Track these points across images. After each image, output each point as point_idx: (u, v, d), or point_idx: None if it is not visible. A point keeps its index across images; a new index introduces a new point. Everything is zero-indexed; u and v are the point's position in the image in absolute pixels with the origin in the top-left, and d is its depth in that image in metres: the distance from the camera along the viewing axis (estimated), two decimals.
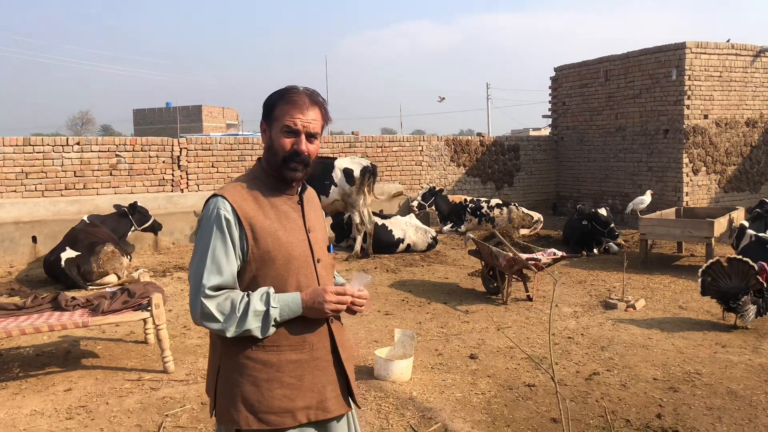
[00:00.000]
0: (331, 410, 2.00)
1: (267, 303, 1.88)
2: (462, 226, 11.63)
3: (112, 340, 5.49)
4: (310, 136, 2.00)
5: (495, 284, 6.96)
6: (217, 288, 1.88)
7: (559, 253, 6.94)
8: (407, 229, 9.73)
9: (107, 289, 5.41)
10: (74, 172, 9.61)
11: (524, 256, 6.66)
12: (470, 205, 11.82)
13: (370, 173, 9.26)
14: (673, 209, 10.01)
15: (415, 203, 11.61)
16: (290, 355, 1.94)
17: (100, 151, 9.81)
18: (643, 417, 3.91)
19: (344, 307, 1.98)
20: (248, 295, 1.89)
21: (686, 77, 11.91)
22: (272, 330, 1.90)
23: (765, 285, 5.67)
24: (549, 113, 15.92)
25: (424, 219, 11.22)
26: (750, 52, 12.60)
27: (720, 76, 12.28)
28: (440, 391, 4.35)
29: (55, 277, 7.35)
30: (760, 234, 7.80)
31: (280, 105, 1.98)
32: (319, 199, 9.52)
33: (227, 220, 1.90)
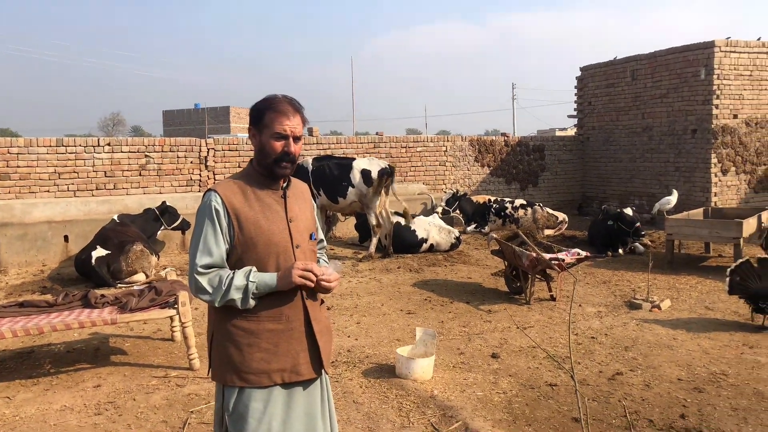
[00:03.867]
0: (303, 374, 2.32)
1: (247, 278, 2.21)
2: (486, 227, 11.60)
3: (139, 338, 5.62)
4: (296, 139, 2.33)
5: (518, 284, 6.94)
6: (208, 266, 2.23)
7: (583, 253, 6.90)
8: (430, 229, 9.74)
9: (135, 287, 5.54)
10: (105, 172, 9.83)
11: (547, 256, 6.62)
12: (494, 205, 11.79)
13: (387, 174, 9.28)
14: (701, 209, 9.84)
15: (439, 209, 11.61)
16: (268, 325, 2.27)
17: (130, 152, 10.01)
18: (667, 417, 3.88)
19: (310, 275, 2.26)
20: (234, 273, 2.22)
21: (715, 76, 11.71)
22: (252, 302, 2.23)
23: None
24: (574, 113, 15.78)
25: (449, 223, 11.19)
26: None
27: (750, 75, 12.04)
28: (461, 390, 4.36)
29: (85, 276, 7.54)
30: None
31: (268, 113, 2.30)
32: (337, 200, 9.55)
33: (217, 210, 2.25)
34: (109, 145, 9.91)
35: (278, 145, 2.29)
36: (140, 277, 7.40)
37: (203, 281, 2.21)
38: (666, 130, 12.81)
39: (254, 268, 2.24)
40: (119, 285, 7.22)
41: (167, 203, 8.95)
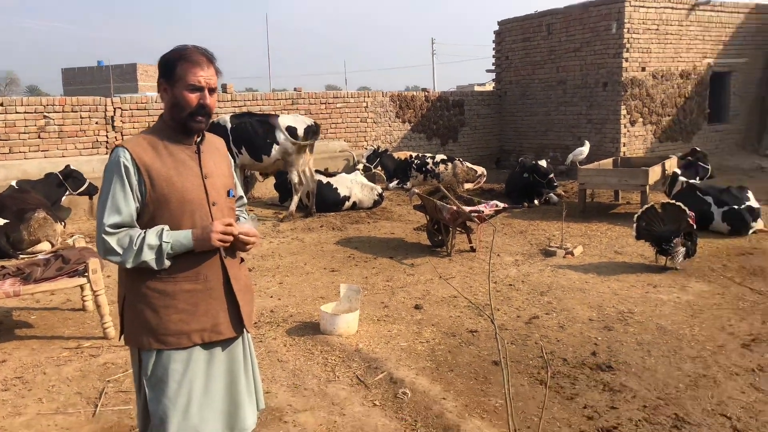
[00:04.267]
0: (224, 333, 2.28)
1: (160, 238, 2.11)
2: (408, 183, 11.68)
3: (47, 309, 5.32)
4: (211, 91, 2.23)
5: (439, 237, 7.05)
6: (117, 226, 2.11)
7: (501, 205, 7.07)
8: (353, 186, 9.69)
9: (40, 257, 5.20)
10: None
11: (467, 208, 6.74)
12: (416, 161, 11.87)
13: (313, 132, 9.12)
14: (611, 159, 10.30)
15: (360, 166, 11.56)
16: (185, 285, 2.20)
17: (26, 113, 9.26)
18: (579, 355, 4.08)
19: (229, 238, 2.19)
20: (145, 232, 2.12)
21: (625, 30, 12.13)
22: (167, 262, 2.14)
23: (694, 227, 5.95)
24: (493, 68, 15.98)
25: (371, 180, 11.19)
26: (685, 6, 12.90)
27: (657, 29, 12.56)
28: (386, 342, 4.41)
29: None
30: (691, 181, 8.14)
31: (180, 64, 2.17)
32: (261, 158, 9.28)
33: (126, 167, 2.13)
34: (2, 105, 9.14)
35: (193, 97, 2.17)
36: (45, 246, 6.96)
37: (112, 242, 2.10)
38: (579, 83, 13.22)
39: (167, 227, 2.15)
40: (21, 256, 6.77)
41: (71, 167, 8.42)
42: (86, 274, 4.52)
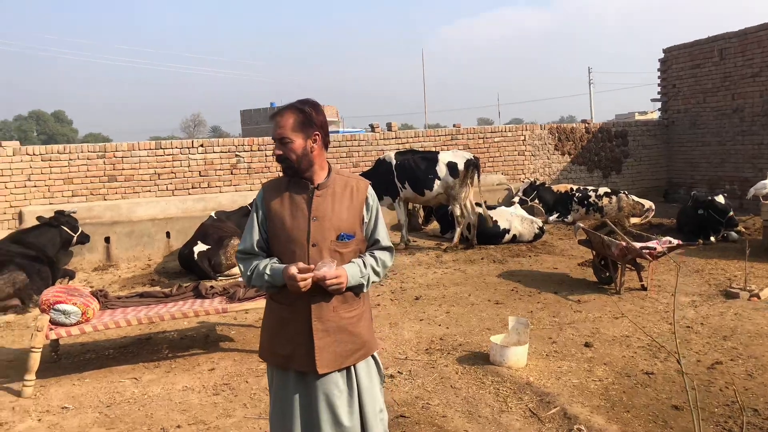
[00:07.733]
0: (295, 365, 2.47)
1: (266, 269, 2.44)
2: (569, 216, 11.46)
3: (243, 326, 6.00)
4: (282, 140, 2.45)
5: (607, 274, 6.88)
6: (243, 252, 2.54)
7: (675, 242, 6.74)
8: (512, 219, 9.74)
9: (240, 279, 5.91)
10: (199, 172, 10.43)
11: (638, 244, 6.54)
12: (577, 194, 11.62)
13: (473, 166, 9.37)
14: None
15: (516, 199, 11.56)
16: (283, 313, 2.50)
17: (221, 152, 10.57)
18: None
19: (293, 284, 2.33)
20: (261, 262, 2.48)
21: None
22: (273, 289, 2.46)
23: None
24: (658, 96, 15.25)
25: (530, 213, 11.15)
26: None
27: None
28: (557, 377, 4.44)
29: (188, 269, 8.06)
30: None
31: None
32: (423, 192, 9.67)
33: (257, 204, 2.57)
34: (202, 146, 10.50)
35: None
36: (238, 270, 7.83)
37: (241, 264, 2.55)
38: (759, 111, 12.20)
39: (275, 260, 2.47)
40: (219, 278, 7.68)
41: None
42: None
